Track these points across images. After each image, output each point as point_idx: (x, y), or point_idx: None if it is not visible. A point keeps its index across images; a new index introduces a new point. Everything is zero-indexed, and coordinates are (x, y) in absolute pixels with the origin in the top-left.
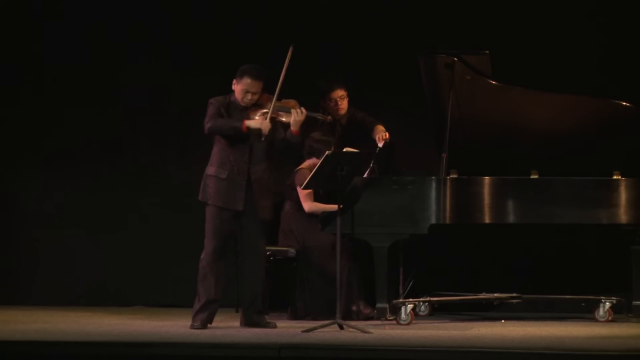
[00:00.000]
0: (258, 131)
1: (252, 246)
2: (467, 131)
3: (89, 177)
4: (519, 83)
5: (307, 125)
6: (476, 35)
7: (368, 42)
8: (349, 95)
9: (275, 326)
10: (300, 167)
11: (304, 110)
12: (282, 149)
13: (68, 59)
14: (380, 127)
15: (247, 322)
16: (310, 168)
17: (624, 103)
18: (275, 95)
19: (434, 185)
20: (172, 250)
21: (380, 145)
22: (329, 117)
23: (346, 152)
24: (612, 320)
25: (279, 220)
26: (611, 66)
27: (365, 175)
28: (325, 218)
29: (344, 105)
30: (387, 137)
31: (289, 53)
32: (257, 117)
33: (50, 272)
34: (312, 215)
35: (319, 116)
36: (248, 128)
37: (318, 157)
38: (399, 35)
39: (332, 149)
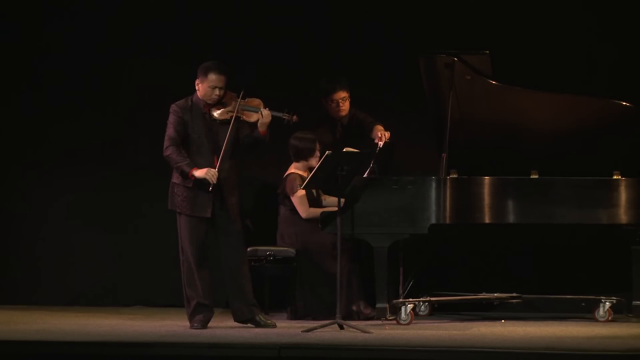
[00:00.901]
0: (204, 180)
1: (231, 245)
2: (467, 131)
3: (89, 178)
4: (519, 83)
5: (299, 126)
6: (476, 35)
7: (368, 42)
8: (350, 96)
9: (274, 325)
10: (288, 172)
11: (267, 112)
12: (248, 145)
13: (68, 58)
14: (379, 127)
15: (237, 318)
16: (299, 171)
17: (624, 103)
18: (240, 95)
19: (434, 185)
20: (173, 250)
21: (380, 144)
22: (295, 117)
23: (346, 152)
24: (612, 320)
25: (276, 223)
26: (611, 66)
27: (365, 175)
28: (325, 218)
29: (345, 106)
30: (388, 136)
31: (240, 95)
32: (204, 170)
33: (50, 272)
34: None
35: (285, 116)
36: (194, 176)
37: (306, 158)
38: (399, 35)
39: (317, 143)
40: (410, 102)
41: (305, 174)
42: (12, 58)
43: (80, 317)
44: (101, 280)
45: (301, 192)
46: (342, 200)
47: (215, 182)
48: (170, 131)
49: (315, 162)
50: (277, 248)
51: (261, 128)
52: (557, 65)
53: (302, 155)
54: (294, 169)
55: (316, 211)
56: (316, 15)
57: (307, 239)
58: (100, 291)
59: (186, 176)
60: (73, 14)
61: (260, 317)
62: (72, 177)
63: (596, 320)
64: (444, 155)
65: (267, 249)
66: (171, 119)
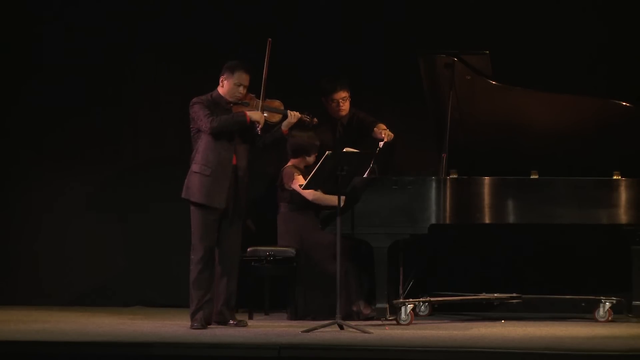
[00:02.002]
0: (256, 124)
1: (232, 245)
2: (467, 131)
3: (89, 178)
4: (519, 83)
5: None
6: (476, 35)
7: (368, 42)
8: (351, 96)
9: (245, 324)
10: (285, 165)
11: (295, 114)
12: (268, 144)
13: (69, 58)
14: (382, 125)
15: (219, 319)
16: (296, 165)
17: (624, 103)
18: (262, 94)
19: (434, 185)
20: (173, 250)
21: (382, 143)
22: (315, 120)
23: (346, 152)
24: (612, 320)
25: (276, 222)
26: (611, 66)
27: (365, 175)
28: (325, 218)
29: (345, 106)
30: (392, 136)
31: (268, 47)
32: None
33: (50, 272)
34: (309, 214)
35: (306, 118)
36: (250, 119)
37: (308, 154)
38: (399, 35)
39: (317, 143)
40: (409, 102)
41: (302, 169)
42: (13, 57)
43: (80, 317)
44: (101, 280)
45: (300, 180)
46: (342, 200)
47: (262, 126)
48: (203, 112)
49: (314, 158)
50: (277, 248)
51: (285, 128)
52: (557, 65)
53: (304, 151)
54: (291, 164)
55: (323, 196)
56: (316, 15)
57: (306, 237)
58: (101, 291)
59: (245, 124)
60: (74, 12)
61: (237, 318)
62: (72, 177)
63: (596, 320)
64: (444, 155)
65: (267, 249)
66: (197, 107)
